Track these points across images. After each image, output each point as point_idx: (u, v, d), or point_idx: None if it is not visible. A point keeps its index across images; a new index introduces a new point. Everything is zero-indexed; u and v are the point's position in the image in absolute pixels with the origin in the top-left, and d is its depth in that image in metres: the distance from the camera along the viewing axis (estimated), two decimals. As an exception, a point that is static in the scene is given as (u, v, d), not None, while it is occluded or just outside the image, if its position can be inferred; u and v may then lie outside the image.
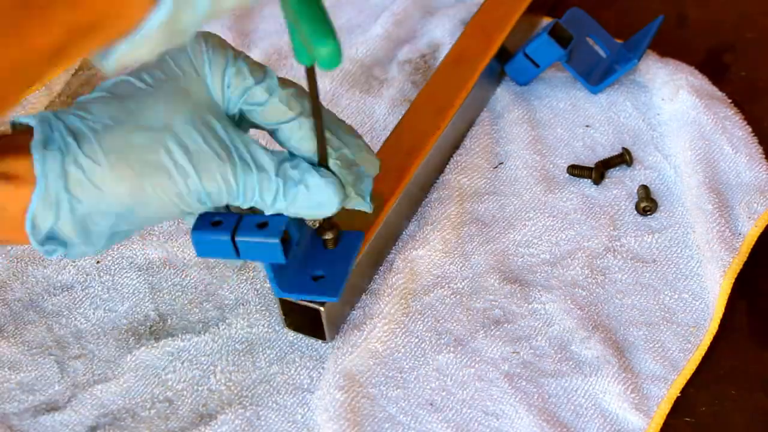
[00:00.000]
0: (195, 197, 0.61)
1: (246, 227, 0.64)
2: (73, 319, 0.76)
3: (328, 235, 0.71)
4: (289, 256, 0.65)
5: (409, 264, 0.77)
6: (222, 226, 0.64)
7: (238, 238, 0.64)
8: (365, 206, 0.67)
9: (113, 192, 0.59)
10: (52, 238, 0.61)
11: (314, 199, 0.63)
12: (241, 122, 0.65)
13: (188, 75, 0.62)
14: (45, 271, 0.79)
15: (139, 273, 0.78)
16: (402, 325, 0.73)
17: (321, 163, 0.64)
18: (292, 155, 0.64)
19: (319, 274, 0.70)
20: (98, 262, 0.79)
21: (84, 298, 0.77)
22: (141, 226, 0.63)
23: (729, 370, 0.71)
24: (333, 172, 0.64)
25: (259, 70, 0.63)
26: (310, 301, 0.70)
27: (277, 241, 0.64)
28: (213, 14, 0.50)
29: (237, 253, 0.65)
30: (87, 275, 0.78)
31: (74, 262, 0.79)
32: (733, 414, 0.69)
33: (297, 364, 0.72)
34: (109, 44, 0.49)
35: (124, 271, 0.78)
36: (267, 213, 0.64)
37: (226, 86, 0.62)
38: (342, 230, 0.72)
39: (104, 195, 0.59)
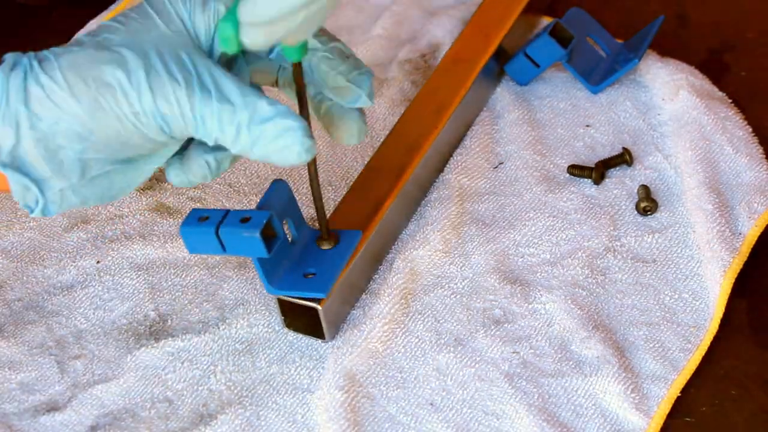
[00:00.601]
0: (153, 120, 0.61)
1: (230, 221, 0.65)
2: (73, 319, 0.76)
3: (326, 246, 0.71)
4: (272, 251, 0.66)
5: (409, 264, 0.76)
6: (207, 222, 0.66)
7: (221, 232, 0.65)
8: (363, 99, 0.67)
9: (71, 109, 0.60)
10: (23, 172, 0.61)
11: (280, 142, 0.61)
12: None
13: (162, 13, 0.63)
14: (45, 271, 0.79)
15: (139, 273, 0.78)
16: (402, 325, 0.73)
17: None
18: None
19: (311, 271, 0.70)
20: (98, 262, 0.79)
21: (84, 298, 0.77)
22: (110, 154, 0.62)
23: (729, 370, 0.71)
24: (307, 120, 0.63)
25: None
26: (308, 300, 0.70)
27: (256, 234, 0.64)
28: None
29: (223, 248, 0.65)
30: (87, 275, 0.78)
31: (74, 262, 0.79)
32: (733, 414, 0.69)
33: (297, 364, 0.72)
34: None
35: (125, 271, 0.78)
36: (232, 150, 0.62)
37: (199, 23, 0.63)
38: (341, 231, 0.73)
39: (62, 113, 0.60)
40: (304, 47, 0.61)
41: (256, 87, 0.65)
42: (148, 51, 0.61)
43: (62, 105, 0.60)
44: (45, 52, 0.62)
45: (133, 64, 0.60)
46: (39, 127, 0.60)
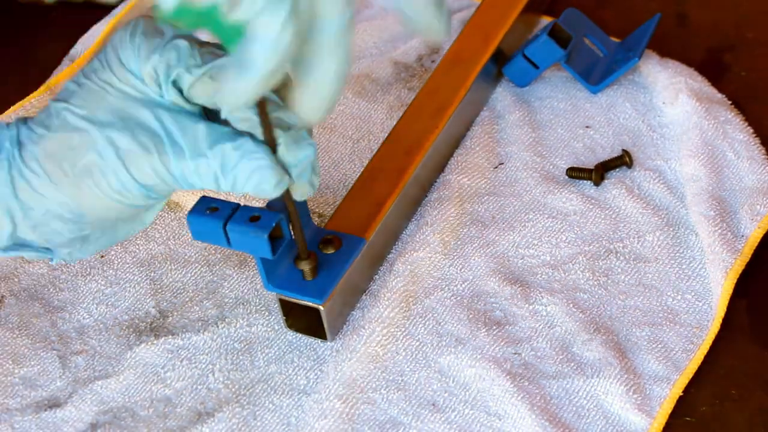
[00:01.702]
0: (136, 191, 0.60)
1: (239, 218, 0.65)
2: (76, 313, 0.75)
3: (329, 249, 0.71)
4: (277, 253, 0.66)
5: (409, 266, 0.76)
6: (216, 214, 0.65)
7: (229, 228, 0.64)
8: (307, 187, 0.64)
9: (55, 198, 0.60)
10: (26, 246, 0.63)
11: (253, 181, 0.60)
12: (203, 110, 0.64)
13: (115, 69, 0.61)
14: (51, 264, 0.79)
15: (141, 268, 0.78)
16: (403, 329, 0.73)
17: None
18: (237, 134, 0.61)
19: None
20: (102, 256, 0.79)
21: (87, 293, 0.77)
22: (107, 224, 0.63)
23: (729, 370, 0.71)
24: (275, 154, 0.61)
25: (191, 54, 0.60)
26: (309, 301, 0.70)
27: (265, 236, 0.64)
28: None
29: (228, 242, 0.65)
30: (91, 268, 0.78)
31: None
32: (734, 414, 0.69)
33: (295, 364, 0.72)
34: None
35: (127, 265, 0.78)
36: (221, 190, 0.62)
37: (154, 74, 0.60)
38: (344, 234, 0.72)
39: (49, 200, 0.60)
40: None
41: (225, 122, 0.62)
42: (113, 123, 0.60)
43: (48, 195, 0.60)
44: (25, 135, 0.61)
45: (101, 143, 0.60)
46: (32, 216, 0.61)
